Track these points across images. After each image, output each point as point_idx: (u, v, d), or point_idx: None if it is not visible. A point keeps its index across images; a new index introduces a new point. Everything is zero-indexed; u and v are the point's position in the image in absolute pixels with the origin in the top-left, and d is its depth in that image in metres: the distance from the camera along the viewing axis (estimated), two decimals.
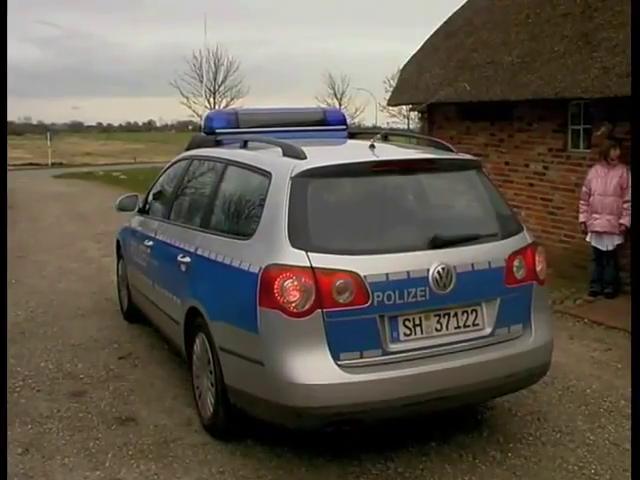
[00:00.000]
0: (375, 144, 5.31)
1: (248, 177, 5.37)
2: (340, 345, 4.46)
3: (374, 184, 5.05)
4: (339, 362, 4.45)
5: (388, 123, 73.12)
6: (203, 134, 6.92)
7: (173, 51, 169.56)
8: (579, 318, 8.36)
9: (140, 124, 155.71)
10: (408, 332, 4.64)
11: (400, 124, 69.26)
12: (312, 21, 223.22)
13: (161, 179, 7.49)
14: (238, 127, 6.64)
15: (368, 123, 74.23)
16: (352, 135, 6.98)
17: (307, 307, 4.43)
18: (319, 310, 4.43)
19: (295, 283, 4.43)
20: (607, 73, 8.72)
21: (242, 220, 5.26)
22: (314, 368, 4.44)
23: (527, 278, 5.06)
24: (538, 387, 6.20)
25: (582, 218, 9.15)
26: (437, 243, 4.73)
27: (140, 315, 7.77)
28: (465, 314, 4.80)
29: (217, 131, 6.65)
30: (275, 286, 4.45)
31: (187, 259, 5.68)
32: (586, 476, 4.79)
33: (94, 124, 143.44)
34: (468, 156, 5.85)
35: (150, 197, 7.56)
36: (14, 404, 5.97)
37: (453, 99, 11.43)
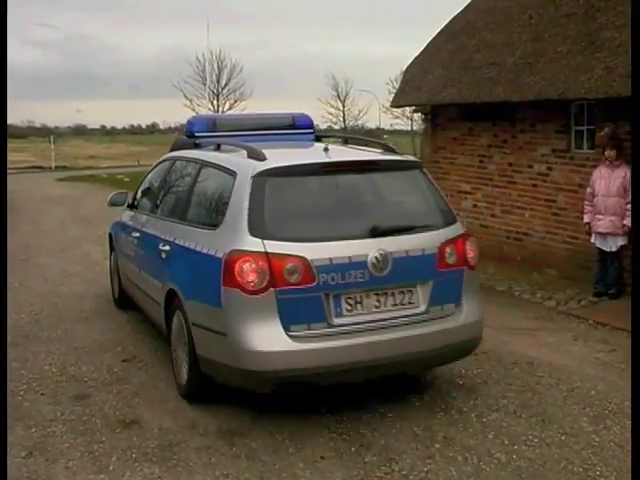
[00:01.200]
0: (329, 147, 6.24)
1: (218, 176, 6.09)
2: (290, 318, 5.17)
3: (323, 182, 5.79)
4: (289, 333, 5.16)
5: (392, 125, 73.12)
6: (185, 137, 7.59)
7: (176, 53, 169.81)
8: (583, 319, 8.34)
9: (143, 126, 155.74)
10: (350, 308, 5.33)
11: (404, 125, 69.26)
12: (313, 22, 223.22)
13: (148, 177, 8.18)
14: (216, 131, 7.32)
15: (372, 125, 74.15)
16: (318, 138, 7.55)
17: (262, 286, 5.14)
18: (272, 289, 5.15)
19: (252, 266, 5.15)
20: (610, 73, 8.71)
21: (212, 213, 5.96)
22: (268, 338, 5.14)
23: (458, 264, 5.75)
24: (543, 389, 6.21)
25: (586, 219, 9.14)
26: (376, 233, 5.43)
27: (129, 301, 8.42)
28: (401, 294, 5.49)
29: (196, 134, 7.33)
30: (236, 268, 5.17)
31: (167, 247, 6.42)
32: (591, 478, 4.78)
33: (97, 127, 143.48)
34: (411, 158, 6.58)
35: (138, 194, 8.29)
36: (18, 407, 5.96)
37: (456, 100, 11.42)
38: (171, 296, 6.15)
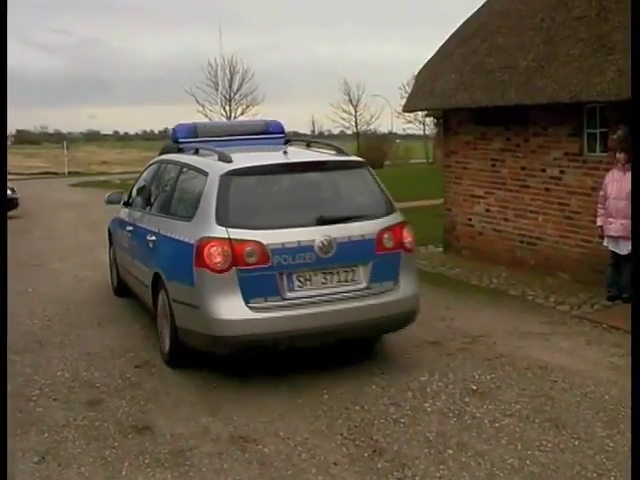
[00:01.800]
0: (288, 150, 7.22)
1: (194, 176, 7.16)
2: (250, 293, 6.18)
3: (280, 179, 6.91)
4: (249, 305, 6.18)
5: (404, 129, 73.12)
6: (171, 142, 8.66)
7: (189, 59, 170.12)
8: (597, 323, 8.29)
9: (156, 132, 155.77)
10: (300, 284, 6.35)
11: (416, 130, 69.23)
12: (324, 25, 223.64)
13: (141, 178, 9.22)
14: (197, 137, 8.38)
15: (384, 129, 74.08)
16: (287, 141, 8.55)
17: (226, 266, 6.16)
18: (234, 268, 6.16)
19: (218, 250, 6.18)
20: (622, 76, 8.66)
21: (189, 207, 6.92)
22: (231, 308, 6.16)
23: (395, 247, 6.74)
24: (556, 394, 6.18)
25: (599, 222, 9.09)
26: (322, 221, 6.46)
27: (125, 289, 9.39)
28: (345, 272, 6.48)
29: (180, 140, 8.40)
30: (205, 252, 6.20)
31: (153, 238, 7.46)
32: None
33: (110, 132, 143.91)
34: (356, 158, 7.50)
35: (133, 193, 9.32)
36: (30, 413, 5.99)
37: (468, 104, 11.39)
38: (156, 279, 7.17)
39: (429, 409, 5.93)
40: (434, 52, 12.93)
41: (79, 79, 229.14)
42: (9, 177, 40.72)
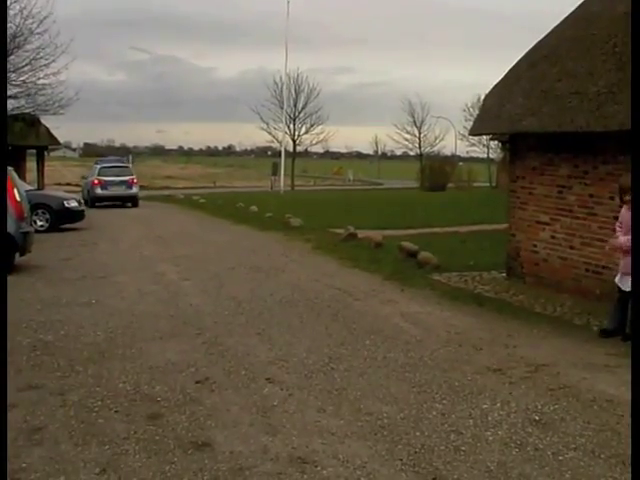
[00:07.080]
0: (119, 163, 39.61)
1: (95, 168, 36.34)
2: (101, 189, 34.81)
3: (111, 169, 35.68)
4: (102, 190, 34.54)
5: (467, 152, 72.80)
6: (97, 162, 38.52)
7: (258, 77, 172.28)
8: None
9: (220, 148, 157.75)
10: (111, 187, 34.41)
11: (480, 153, 68.88)
12: (396, 48, 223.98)
13: (90, 170, 37.70)
14: (105, 161, 38.58)
15: (447, 152, 73.79)
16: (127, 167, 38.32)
17: (98, 183, 34.16)
18: (99, 183, 34.22)
19: (97, 181, 34.30)
20: None
21: (92, 174, 35.96)
22: (99, 190, 34.50)
23: (133, 184, 34.82)
24: (623, 429, 5.99)
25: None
26: (118, 176, 34.86)
27: (85, 201, 27.92)
28: (121, 186, 34.93)
29: (98, 162, 37.87)
30: (94, 181, 34.46)
31: (88, 182, 36.25)
32: None
33: (175, 148, 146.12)
34: (128, 165, 41.14)
35: (88, 174, 37.83)
36: (92, 424, 6.05)
37: (536, 130, 11.26)
38: (87, 190, 35.16)
39: (490, 438, 5.82)
40: (501, 76, 12.83)
41: (150, 95, 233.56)
42: (76, 189, 42.60)
